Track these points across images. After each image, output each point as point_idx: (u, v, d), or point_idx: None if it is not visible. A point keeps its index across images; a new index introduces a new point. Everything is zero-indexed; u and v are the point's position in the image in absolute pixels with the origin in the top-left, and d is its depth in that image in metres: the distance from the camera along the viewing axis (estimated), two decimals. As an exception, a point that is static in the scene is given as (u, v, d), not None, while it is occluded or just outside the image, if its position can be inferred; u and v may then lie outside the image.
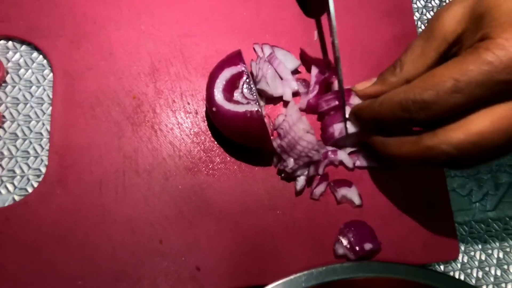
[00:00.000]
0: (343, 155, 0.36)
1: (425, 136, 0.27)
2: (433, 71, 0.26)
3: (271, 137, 0.34)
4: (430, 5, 0.44)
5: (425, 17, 0.44)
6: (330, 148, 0.36)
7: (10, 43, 0.37)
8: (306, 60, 0.39)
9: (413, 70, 0.29)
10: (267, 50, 0.38)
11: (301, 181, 0.35)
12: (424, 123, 0.27)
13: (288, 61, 0.37)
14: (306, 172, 0.35)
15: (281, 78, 0.36)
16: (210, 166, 0.35)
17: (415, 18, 0.43)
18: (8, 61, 0.36)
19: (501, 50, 0.23)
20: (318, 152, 0.34)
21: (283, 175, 0.36)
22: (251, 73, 0.36)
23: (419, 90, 0.26)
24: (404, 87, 0.28)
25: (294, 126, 0.33)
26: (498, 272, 0.39)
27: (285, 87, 0.36)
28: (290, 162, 0.34)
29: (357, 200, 0.36)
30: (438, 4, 0.44)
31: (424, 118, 0.26)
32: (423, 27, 0.43)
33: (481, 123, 0.25)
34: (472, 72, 0.24)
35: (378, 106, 0.30)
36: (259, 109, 0.31)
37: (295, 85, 0.36)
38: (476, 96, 0.24)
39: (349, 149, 0.37)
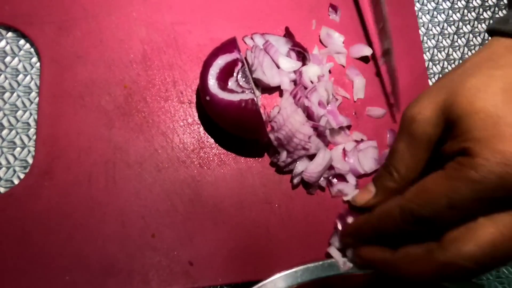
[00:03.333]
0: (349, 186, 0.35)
1: (436, 250, 0.26)
2: (424, 184, 0.26)
3: (267, 129, 0.33)
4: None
5: (425, 8, 0.43)
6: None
7: (-5, 29, 0.36)
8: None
9: (411, 174, 0.29)
10: (259, 40, 0.36)
11: (297, 175, 0.34)
12: (428, 232, 0.27)
13: (281, 46, 0.36)
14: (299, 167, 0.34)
15: (278, 67, 0.35)
16: (204, 158, 0.34)
17: (415, 8, 0.42)
18: (-6, 48, 0.35)
19: (484, 168, 0.23)
20: (316, 144, 0.33)
21: (276, 168, 0.35)
22: (247, 62, 0.35)
23: (416, 206, 0.26)
24: (398, 200, 0.28)
25: (290, 118, 0.33)
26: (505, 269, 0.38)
27: (283, 76, 0.35)
28: (283, 156, 0.33)
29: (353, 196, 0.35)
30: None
31: (428, 229, 0.26)
32: (423, 18, 0.42)
33: (490, 233, 0.24)
34: (463, 191, 0.24)
35: (377, 221, 0.29)
36: (255, 98, 0.30)
37: (293, 75, 0.35)
38: (472, 210, 0.25)
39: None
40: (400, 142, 0.30)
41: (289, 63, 0.35)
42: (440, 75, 0.41)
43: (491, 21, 0.42)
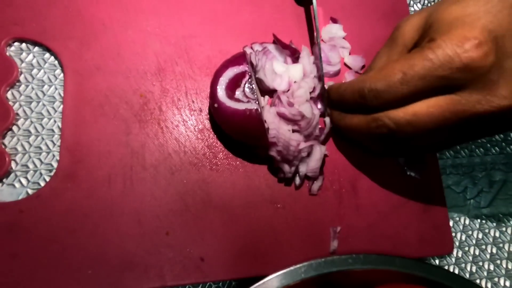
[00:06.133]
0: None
1: (374, 114, 0.32)
2: (386, 64, 0.31)
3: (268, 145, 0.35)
4: (427, 7, 0.46)
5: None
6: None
7: (23, 44, 0.38)
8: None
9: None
10: (259, 48, 0.38)
11: (301, 177, 0.36)
12: (377, 109, 0.31)
13: (279, 54, 0.38)
14: (302, 169, 0.36)
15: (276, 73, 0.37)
16: (213, 162, 0.37)
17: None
18: (22, 61, 0.38)
19: (439, 49, 0.27)
20: (307, 147, 0.35)
21: (284, 182, 0.37)
22: (252, 64, 0.37)
23: (374, 80, 0.30)
24: (363, 76, 0.32)
25: (280, 129, 0.34)
26: (491, 267, 0.40)
27: (277, 79, 0.36)
28: (286, 168, 0.35)
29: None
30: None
31: (376, 104, 0.31)
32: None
33: (418, 106, 0.29)
34: (417, 67, 0.28)
35: (343, 91, 0.34)
36: (258, 108, 0.32)
37: (286, 81, 0.37)
38: (419, 88, 0.29)
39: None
40: (382, 48, 0.35)
41: (282, 67, 0.37)
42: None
43: None
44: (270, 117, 0.35)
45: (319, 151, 0.36)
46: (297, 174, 0.36)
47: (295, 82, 0.37)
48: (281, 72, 0.37)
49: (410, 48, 0.32)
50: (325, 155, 0.37)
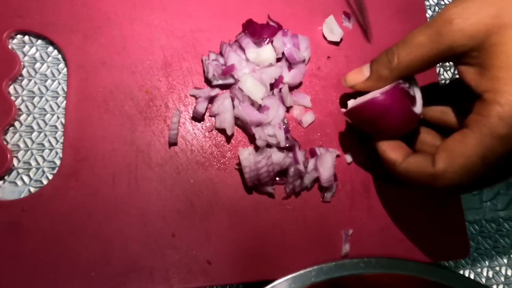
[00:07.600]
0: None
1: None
2: (452, 148, 0.26)
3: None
4: (442, 2, 0.44)
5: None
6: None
7: (26, 37, 0.37)
8: None
9: (407, 69, 0.28)
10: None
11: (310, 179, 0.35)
12: None
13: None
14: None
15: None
16: (221, 161, 0.36)
17: (427, 15, 0.42)
18: (25, 55, 0.37)
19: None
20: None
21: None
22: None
23: (451, 174, 0.26)
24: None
25: (244, 161, 0.33)
26: (509, 272, 0.38)
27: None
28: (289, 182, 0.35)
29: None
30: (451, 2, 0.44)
31: None
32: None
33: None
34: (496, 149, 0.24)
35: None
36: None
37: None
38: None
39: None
40: (420, 35, 0.27)
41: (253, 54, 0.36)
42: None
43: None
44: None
45: (329, 158, 0.35)
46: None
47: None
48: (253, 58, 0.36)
49: (456, 54, 0.26)
50: (337, 155, 0.36)
